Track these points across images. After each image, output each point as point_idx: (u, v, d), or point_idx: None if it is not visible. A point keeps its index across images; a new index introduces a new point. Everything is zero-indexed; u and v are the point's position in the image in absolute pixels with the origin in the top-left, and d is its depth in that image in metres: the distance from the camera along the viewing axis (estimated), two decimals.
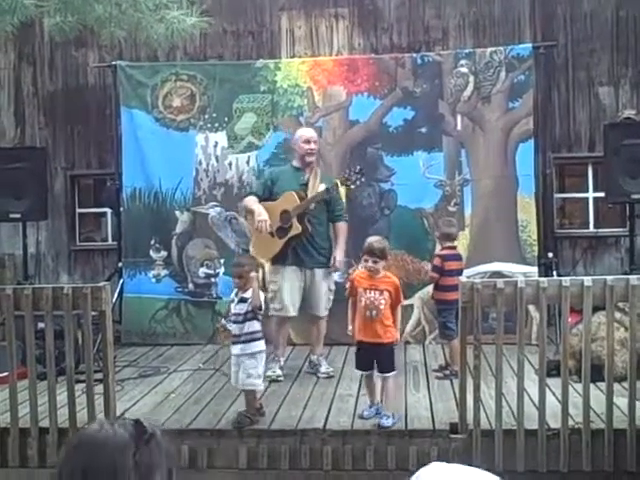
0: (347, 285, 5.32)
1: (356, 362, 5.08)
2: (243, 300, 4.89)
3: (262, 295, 5.01)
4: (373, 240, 4.99)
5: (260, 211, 5.87)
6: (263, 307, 4.99)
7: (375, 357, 4.87)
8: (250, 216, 6.10)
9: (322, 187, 5.97)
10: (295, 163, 6.15)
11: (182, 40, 6.65)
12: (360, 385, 5.44)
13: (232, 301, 5.01)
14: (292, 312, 6.04)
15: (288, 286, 5.98)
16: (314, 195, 5.94)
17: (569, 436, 4.46)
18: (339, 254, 6.01)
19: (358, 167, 6.07)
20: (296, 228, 5.88)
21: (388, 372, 4.87)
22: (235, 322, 4.91)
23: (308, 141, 6.04)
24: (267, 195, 6.04)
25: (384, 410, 4.82)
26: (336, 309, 6.05)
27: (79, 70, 8.13)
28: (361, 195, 7.20)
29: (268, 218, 5.83)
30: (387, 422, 4.74)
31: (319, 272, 5.99)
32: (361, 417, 4.87)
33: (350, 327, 5.13)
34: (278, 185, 6.03)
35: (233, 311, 4.95)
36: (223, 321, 4.97)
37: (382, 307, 4.82)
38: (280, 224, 5.92)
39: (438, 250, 6.16)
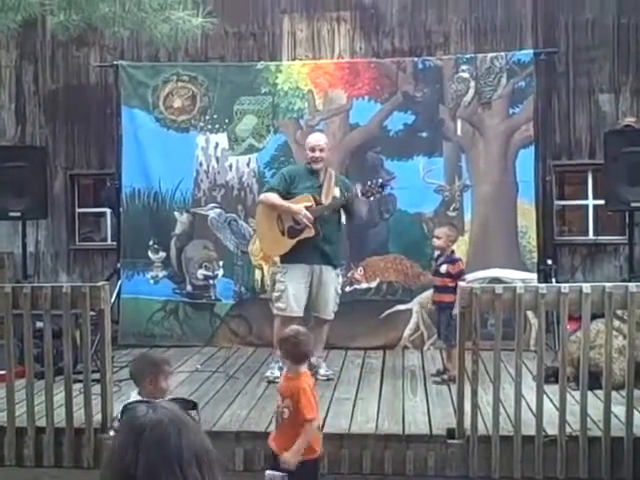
0: None
1: None
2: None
3: None
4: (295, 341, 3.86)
5: (293, 206, 5.85)
6: None
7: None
8: (269, 211, 6.03)
9: (337, 190, 5.97)
10: (308, 165, 6.13)
11: (184, 41, 6.65)
12: (358, 389, 5.41)
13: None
14: (297, 312, 5.93)
15: (294, 285, 5.92)
16: (330, 203, 5.92)
17: (566, 443, 4.46)
18: None
19: (380, 181, 5.98)
20: (309, 231, 5.86)
21: None
22: None
23: (313, 149, 6.02)
24: (285, 192, 5.97)
25: None
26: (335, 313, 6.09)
27: (80, 69, 8.12)
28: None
29: (303, 208, 5.81)
30: None
31: (327, 271, 5.94)
32: None
33: None
34: (295, 184, 5.99)
35: None
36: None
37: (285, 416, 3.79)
38: (292, 224, 5.92)
39: (444, 257, 5.96)
